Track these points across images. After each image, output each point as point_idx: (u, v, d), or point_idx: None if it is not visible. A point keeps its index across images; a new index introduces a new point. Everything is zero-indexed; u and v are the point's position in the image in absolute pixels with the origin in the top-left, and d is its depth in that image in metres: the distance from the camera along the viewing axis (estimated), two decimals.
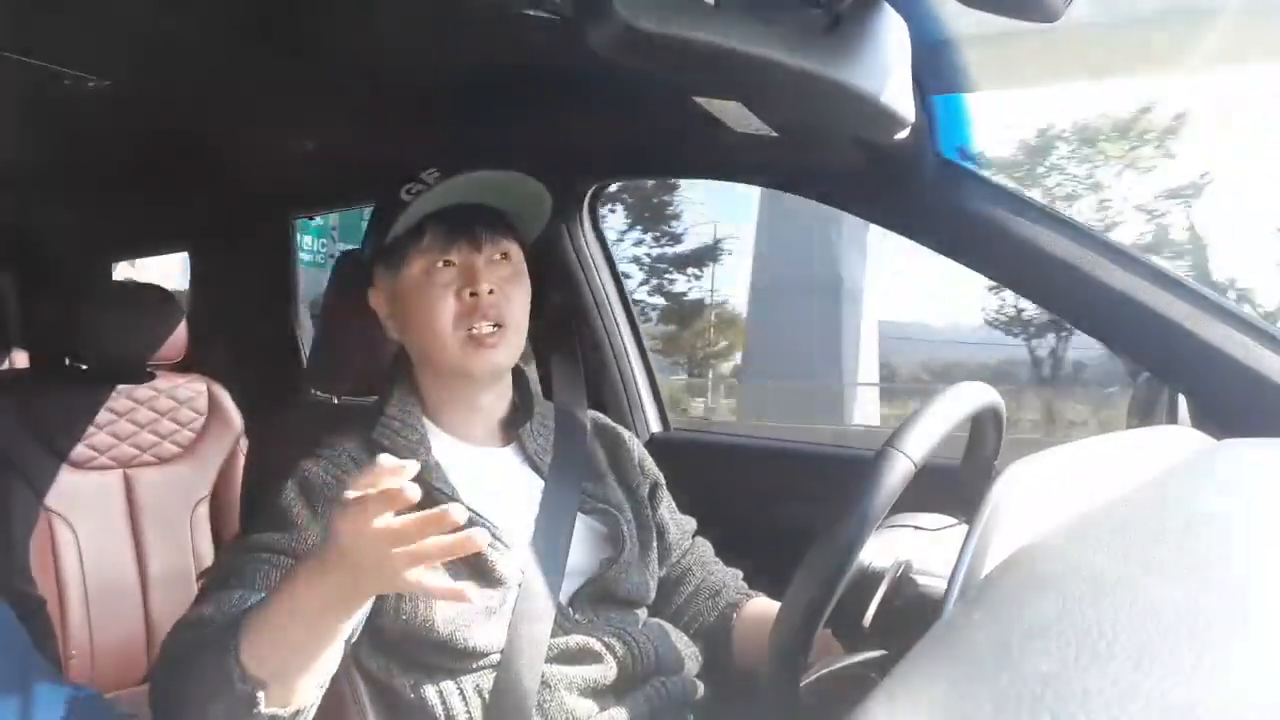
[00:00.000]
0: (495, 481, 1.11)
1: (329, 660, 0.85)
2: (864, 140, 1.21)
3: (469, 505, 1.04)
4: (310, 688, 0.84)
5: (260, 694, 0.80)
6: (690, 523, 1.30)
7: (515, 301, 1.10)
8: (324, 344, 1.29)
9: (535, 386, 1.23)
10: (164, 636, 0.93)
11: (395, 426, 1.09)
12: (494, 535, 1.04)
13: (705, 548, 1.29)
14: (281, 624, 0.81)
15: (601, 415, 1.32)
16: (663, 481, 1.28)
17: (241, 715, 0.80)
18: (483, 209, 1.11)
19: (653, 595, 1.18)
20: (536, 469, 1.14)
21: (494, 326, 1.08)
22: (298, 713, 0.83)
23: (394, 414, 1.10)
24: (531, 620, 1.02)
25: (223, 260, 2.51)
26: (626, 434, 1.29)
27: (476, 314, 1.07)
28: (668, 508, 1.27)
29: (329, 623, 0.81)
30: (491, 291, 1.08)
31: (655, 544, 1.20)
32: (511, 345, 1.10)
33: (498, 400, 1.16)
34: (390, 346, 1.17)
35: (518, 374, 1.19)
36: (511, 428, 1.17)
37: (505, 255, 1.11)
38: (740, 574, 1.29)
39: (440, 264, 1.08)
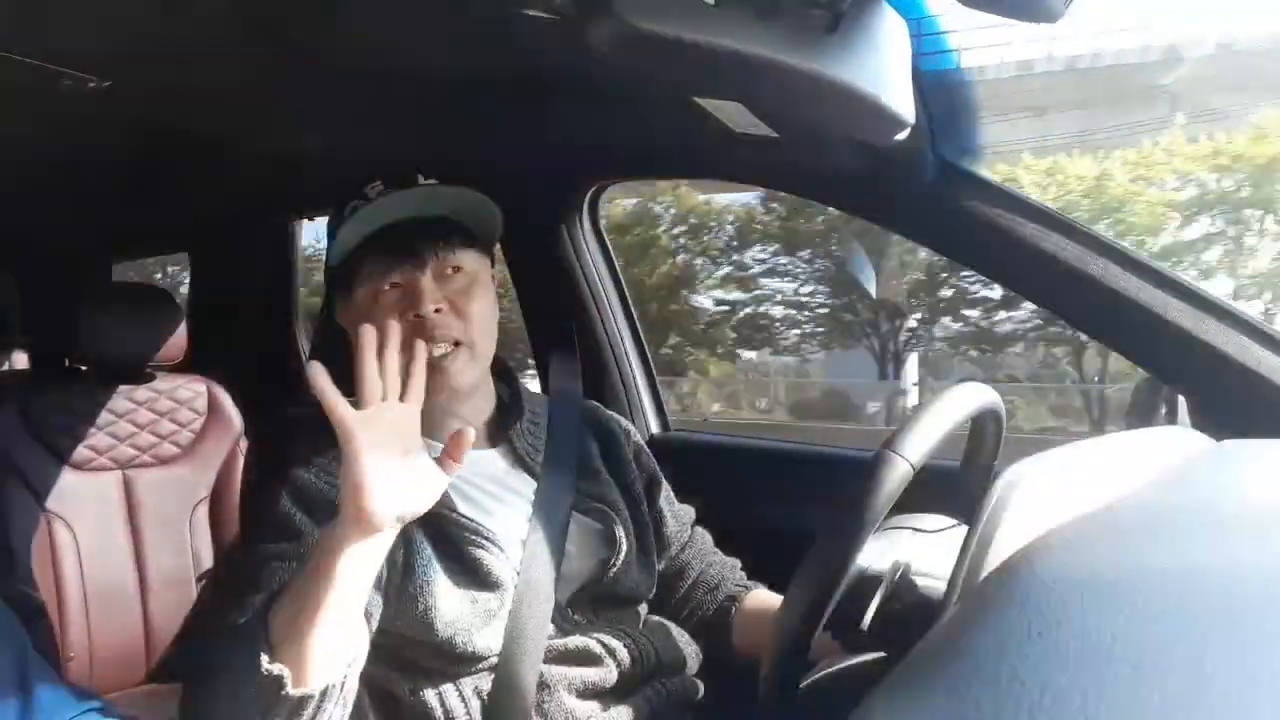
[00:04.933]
0: (486, 484, 1.10)
1: (352, 635, 0.85)
2: (864, 141, 1.21)
3: (460, 511, 1.04)
4: (336, 664, 0.83)
5: (289, 674, 0.80)
6: (689, 513, 1.29)
7: (472, 314, 1.05)
8: (322, 346, 1.29)
9: (530, 383, 1.22)
10: (170, 642, 0.92)
11: None
12: (488, 539, 1.03)
13: (704, 539, 1.29)
14: (304, 598, 0.81)
15: (598, 406, 1.31)
16: (659, 474, 1.26)
17: (272, 697, 0.80)
18: (427, 222, 1.06)
19: (653, 591, 1.17)
20: (528, 469, 1.12)
21: (449, 345, 1.03)
22: (326, 691, 0.82)
23: None
24: (529, 622, 1.02)
25: (223, 261, 2.51)
26: (622, 424, 1.28)
27: (424, 335, 1.01)
28: (665, 499, 1.25)
29: (350, 576, 0.81)
30: (439, 310, 1.03)
31: (653, 539, 1.19)
32: (471, 362, 1.06)
33: (479, 404, 1.13)
34: None
35: (504, 372, 1.17)
36: (500, 428, 1.15)
37: (458, 268, 1.06)
38: (739, 564, 1.29)
39: (385, 286, 1.04)
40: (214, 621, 0.93)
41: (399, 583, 0.99)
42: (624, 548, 1.12)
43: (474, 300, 1.06)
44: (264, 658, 0.80)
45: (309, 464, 1.03)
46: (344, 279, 1.08)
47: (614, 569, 1.10)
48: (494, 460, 1.13)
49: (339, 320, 1.13)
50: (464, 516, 1.03)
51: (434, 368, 1.02)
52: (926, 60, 1.12)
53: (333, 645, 0.82)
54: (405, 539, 0.99)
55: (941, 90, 1.20)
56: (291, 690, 0.80)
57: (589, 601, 1.10)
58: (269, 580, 0.94)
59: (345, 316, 1.11)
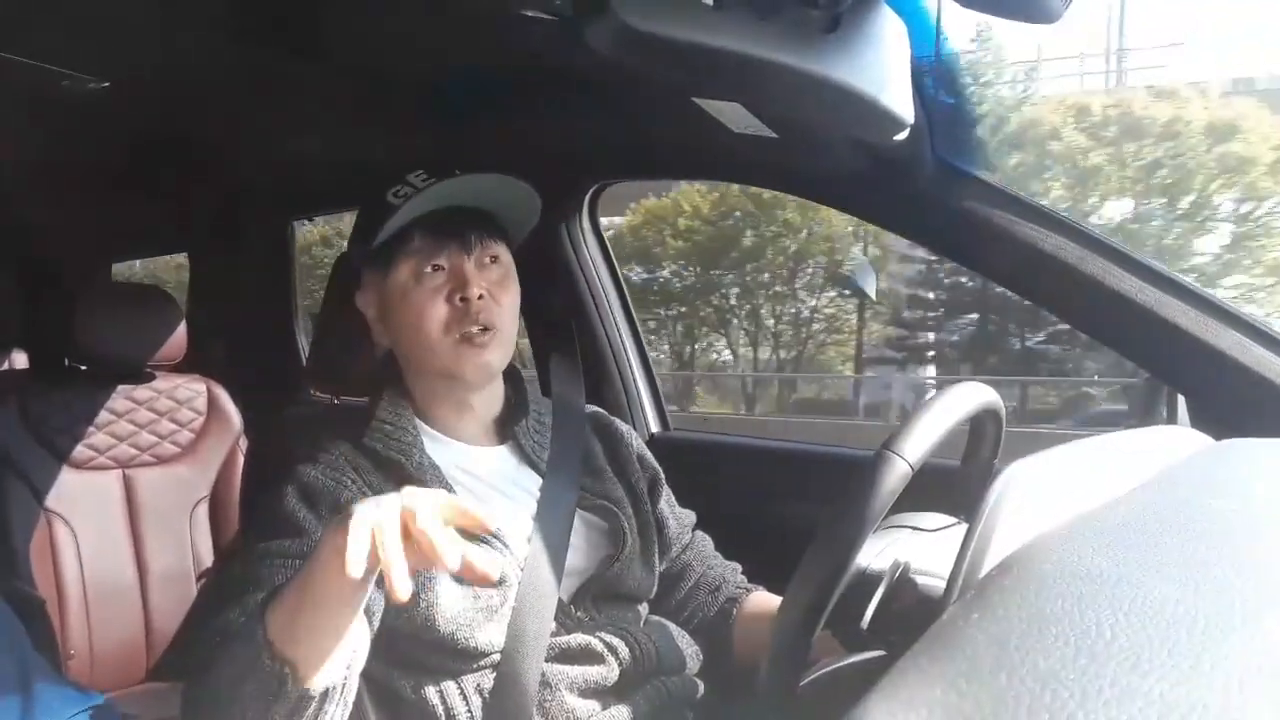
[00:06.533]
0: (491, 480, 1.11)
1: (352, 636, 0.84)
2: (863, 141, 1.21)
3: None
4: (338, 665, 0.83)
5: (289, 672, 0.79)
6: (690, 516, 1.30)
7: (505, 304, 1.09)
8: (323, 344, 1.29)
9: (534, 383, 1.23)
10: (170, 640, 0.92)
11: (387, 429, 1.08)
12: (493, 535, 1.04)
13: (705, 542, 1.29)
14: (304, 596, 0.80)
15: (600, 410, 1.32)
16: (662, 475, 1.27)
17: (272, 694, 0.80)
18: (471, 211, 1.10)
19: (654, 590, 1.18)
20: (533, 466, 1.14)
21: (484, 330, 1.07)
22: (326, 692, 0.82)
23: (385, 416, 1.09)
24: (532, 619, 1.02)
25: (222, 260, 2.51)
26: (624, 428, 1.29)
27: (467, 319, 1.06)
28: (667, 501, 1.26)
29: (345, 589, 0.79)
30: (481, 296, 1.06)
31: (656, 539, 1.19)
32: (502, 347, 1.09)
33: (490, 399, 1.15)
34: (382, 349, 1.17)
35: (510, 371, 1.18)
36: (506, 425, 1.16)
37: (495, 258, 1.10)
38: (739, 568, 1.29)
39: (429, 268, 1.07)
40: (216, 619, 0.93)
41: None
42: (628, 544, 1.13)
43: (507, 290, 1.11)
44: (265, 655, 0.80)
45: (314, 461, 1.04)
46: (381, 260, 1.09)
47: (617, 565, 1.11)
48: (501, 457, 1.14)
49: (359, 306, 1.14)
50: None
51: (471, 346, 1.06)
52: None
53: (333, 644, 0.82)
54: None
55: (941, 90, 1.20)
56: (292, 688, 0.80)
57: (591, 598, 1.10)
58: (271, 577, 0.94)
59: (372, 298, 1.13)
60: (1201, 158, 13.69)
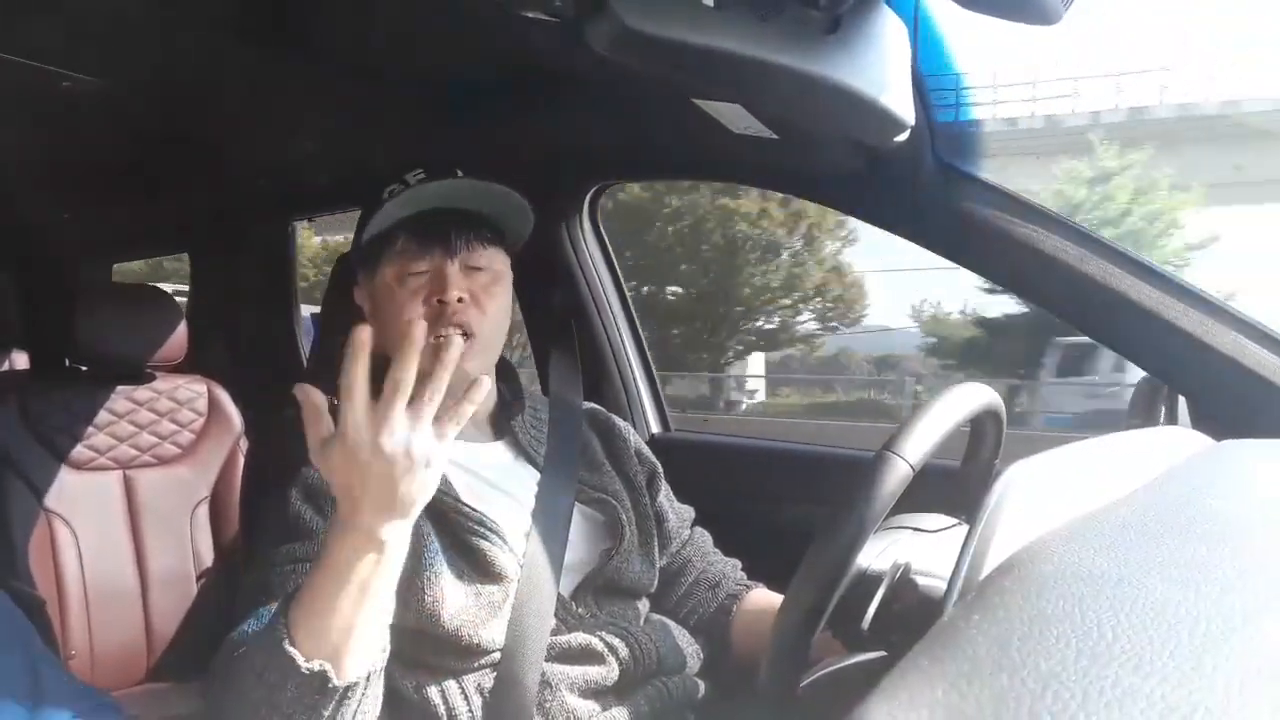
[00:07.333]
0: (489, 476, 1.10)
1: (381, 619, 0.84)
2: (864, 142, 1.21)
3: (464, 501, 1.04)
4: (373, 651, 0.82)
5: (329, 669, 0.78)
6: (689, 511, 1.30)
7: (488, 311, 1.08)
8: (324, 344, 1.29)
9: (532, 380, 1.23)
10: (170, 641, 0.90)
11: None
12: (492, 530, 1.04)
13: (705, 538, 1.30)
14: (325, 590, 0.79)
15: (597, 406, 1.32)
16: (660, 470, 1.27)
17: (315, 694, 0.79)
18: (461, 215, 1.09)
19: (654, 584, 1.18)
20: (531, 461, 1.14)
21: (462, 335, 1.05)
22: (369, 676, 0.81)
23: None
24: (532, 615, 1.02)
25: (223, 261, 2.51)
26: (622, 423, 1.29)
27: (443, 321, 1.05)
28: (666, 496, 1.27)
29: (367, 572, 0.80)
30: (461, 300, 1.05)
31: (655, 532, 1.19)
32: (480, 356, 1.07)
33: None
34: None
35: (502, 365, 1.18)
36: (503, 421, 1.16)
37: (484, 263, 1.09)
38: (739, 564, 1.30)
39: (413, 270, 1.07)
40: (234, 632, 0.91)
41: (408, 575, 0.99)
42: (626, 536, 1.13)
43: (494, 297, 1.09)
44: (299, 659, 0.78)
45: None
46: (371, 257, 1.09)
47: (616, 558, 1.11)
48: (498, 452, 1.14)
49: (357, 301, 1.15)
50: (468, 507, 1.04)
51: (442, 349, 1.03)
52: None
53: (365, 630, 0.81)
54: (414, 530, 0.99)
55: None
56: (336, 682, 0.78)
57: (592, 594, 1.10)
58: (284, 584, 0.93)
59: (364, 294, 1.13)
60: None
